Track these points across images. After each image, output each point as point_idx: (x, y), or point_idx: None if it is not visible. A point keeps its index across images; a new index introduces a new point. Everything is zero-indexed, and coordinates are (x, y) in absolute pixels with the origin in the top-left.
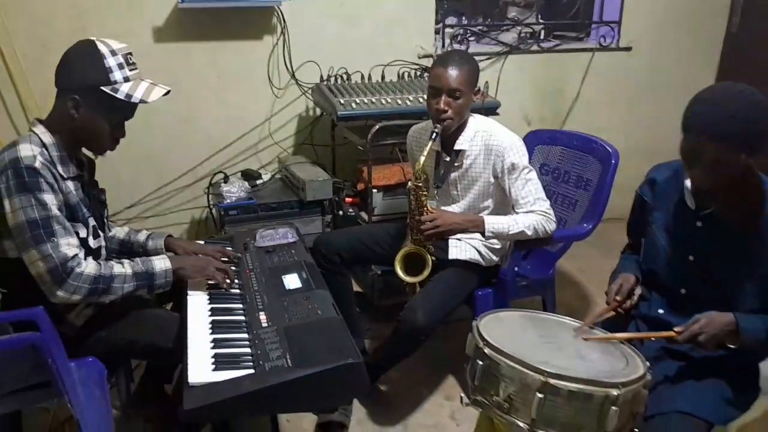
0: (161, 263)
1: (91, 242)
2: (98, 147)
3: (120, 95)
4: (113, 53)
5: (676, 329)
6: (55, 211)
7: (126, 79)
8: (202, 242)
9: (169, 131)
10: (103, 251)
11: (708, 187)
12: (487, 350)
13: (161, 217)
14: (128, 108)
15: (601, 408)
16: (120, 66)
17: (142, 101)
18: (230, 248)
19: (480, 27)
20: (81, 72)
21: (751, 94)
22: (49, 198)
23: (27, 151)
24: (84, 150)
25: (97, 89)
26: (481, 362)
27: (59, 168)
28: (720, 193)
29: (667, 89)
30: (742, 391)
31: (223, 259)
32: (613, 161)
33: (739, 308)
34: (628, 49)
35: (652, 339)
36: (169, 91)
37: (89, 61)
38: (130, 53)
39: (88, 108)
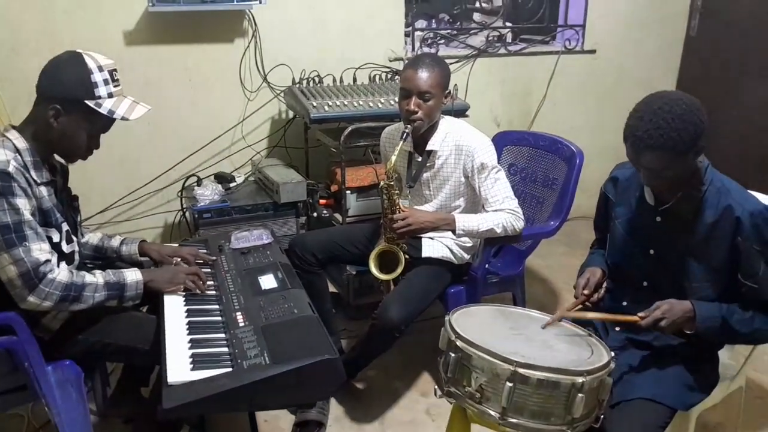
0: (132, 275)
1: (65, 247)
2: (72, 156)
3: (103, 110)
4: (100, 69)
5: (639, 314)
6: (27, 215)
7: (110, 95)
8: (176, 245)
9: (141, 135)
10: (77, 256)
11: (656, 188)
12: (459, 343)
13: (134, 221)
14: (107, 122)
15: (568, 395)
16: (105, 82)
17: (123, 118)
18: (204, 251)
19: (449, 31)
20: (66, 83)
21: (678, 104)
22: (22, 202)
23: (0, 155)
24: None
25: (81, 102)
26: (453, 354)
27: (32, 173)
28: (670, 188)
29: (631, 90)
30: (703, 377)
31: (197, 261)
32: (577, 161)
33: (696, 299)
34: (592, 51)
35: (618, 322)
36: (150, 108)
37: (76, 74)
38: (115, 70)
39: (69, 119)
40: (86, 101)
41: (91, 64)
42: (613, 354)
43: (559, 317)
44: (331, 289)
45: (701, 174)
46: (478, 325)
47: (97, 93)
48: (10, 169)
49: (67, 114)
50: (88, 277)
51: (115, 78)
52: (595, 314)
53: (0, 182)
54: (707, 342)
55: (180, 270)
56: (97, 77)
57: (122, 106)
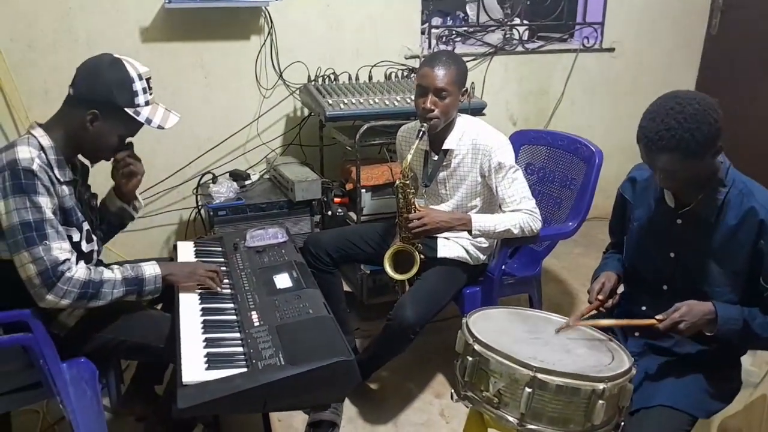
0: (151, 269)
1: (84, 246)
2: (98, 158)
3: (141, 119)
4: (140, 77)
5: (657, 317)
6: (49, 214)
7: (146, 103)
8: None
9: (156, 132)
10: (95, 255)
11: (673, 190)
12: (476, 347)
13: (149, 218)
14: (138, 128)
15: (588, 402)
16: (144, 90)
17: (159, 127)
18: (220, 249)
19: (465, 28)
20: (109, 89)
21: (690, 104)
22: (44, 201)
23: (25, 153)
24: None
25: (121, 109)
26: (470, 358)
27: (56, 171)
28: (690, 190)
29: (650, 89)
30: (725, 384)
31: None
32: (597, 161)
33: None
34: (611, 49)
35: (635, 328)
36: (180, 117)
37: (118, 81)
38: (150, 77)
39: (105, 123)
40: (126, 108)
41: (133, 73)
42: (633, 360)
43: (572, 323)
44: (345, 288)
45: (722, 175)
46: (495, 328)
47: (137, 101)
48: (34, 167)
49: (104, 119)
50: (107, 273)
51: (151, 86)
52: (609, 321)
53: (24, 180)
54: (729, 348)
55: (200, 266)
56: (138, 86)
57: (158, 115)
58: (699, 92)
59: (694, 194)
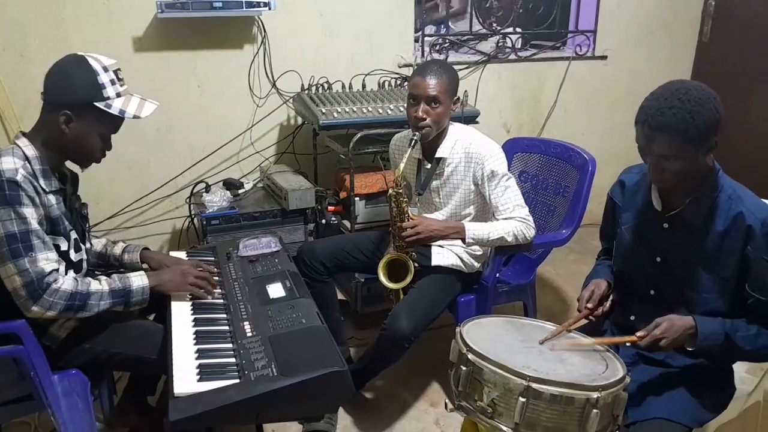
0: (139, 280)
1: (72, 255)
2: (86, 160)
3: (114, 111)
4: (105, 69)
5: (638, 334)
6: (34, 225)
7: (118, 95)
8: (179, 254)
9: (149, 141)
10: (84, 264)
11: (661, 184)
12: (470, 356)
13: (143, 228)
14: (118, 123)
15: (582, 411)
16: (112, 82)
17: (135, 116)
18: (212, 258)
19: (458, 36)
20: (74, 88)
21: (696, 89)
22: (29, 212)
23: (9, 164)
24: (67, 163)
25: (91, 105)
26: (464, 368)
27: (41, 181)
28: (679, 192)
29: (642, 96)
30: (717, 392)
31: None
32: (590, 168)
33: (704, 309)
34: (603, 57)
35: (620, 344)
36: (158, 105)
37: (82, 78)
38: (119, 69)
39: (80, 123)
40: (96, 103)
41: (96, 66)
42: (627, 369)
43: (558, 332)
44: (339, 296)
45: (713, 179)
46: (489, 337)
47: (105, 94)
48: (18, 177)
49: (78, 119)
50: (94, 285)
51: (120, 77)
52: (590, 340)
53: (8, 191)
54: (704, 356)
55: (189, 272)
56: (104, 78)
57: (132, 105)
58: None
59: (683, 197)
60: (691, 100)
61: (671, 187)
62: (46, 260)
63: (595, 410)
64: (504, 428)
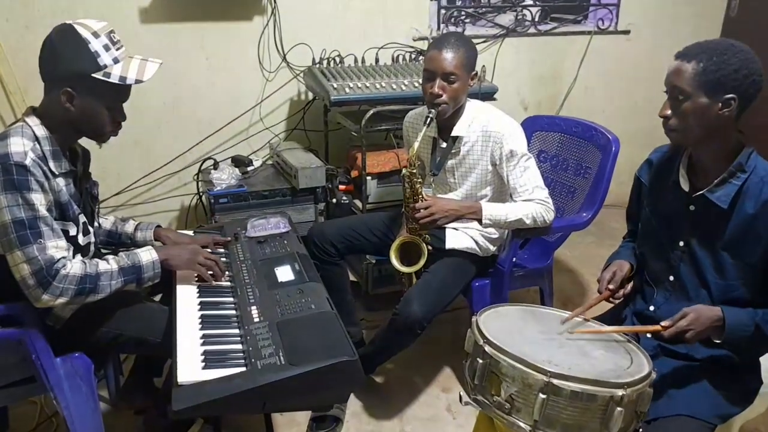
0: (147, 255)
1: (81, 239)
2: (100, 135)
3: (113, 79)
4: (96, 35)
5: (663, 324)
6: (43, 211)
7: (115, 60)
8: (191, 233)
9: (156, 115)
10: (92, 247)
11: (680, 138)
12: (487, 348)
13: (150, 204)
14: (124, 90)
15: (605, 408)
16: (106, 48)
17: (137, 81)
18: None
19: (475, 9)
20: (67, 62)
21: (737, 44)
22: (38, 198)
23: (18, 146)
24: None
25: (89, 77)
26: (480, 360)
27: (51, 164)
28: (707, 169)
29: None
30: (744, 386)
31: (218, 249)
32: (613, 149)
33: (726, 297)
34: (626, 32)
35: (641, 334)
36: (161, 63)
37: (73, 49)
38: (113, 31)
39: (83, 98)
40: (93, 74)
41: (85, 33)
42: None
43: (578, 314)
44: (350, 278)
45: (743, 159)
46: (507, 327)
47: (101, 62)
48: (27, 162)
49: (79, 94)
50: (102, 265)
51: (115, 40)
52: (611, 328)
53: (16, 176)
54: (731, 349)
55: (199, 252)
56: (96, 45)
57: (132, 69)
58: None
59: (711, 176)
60: (733, 48)
61: (685, 141)
62: (56, 248)
63: (619, 408)
64: (522, 425)
